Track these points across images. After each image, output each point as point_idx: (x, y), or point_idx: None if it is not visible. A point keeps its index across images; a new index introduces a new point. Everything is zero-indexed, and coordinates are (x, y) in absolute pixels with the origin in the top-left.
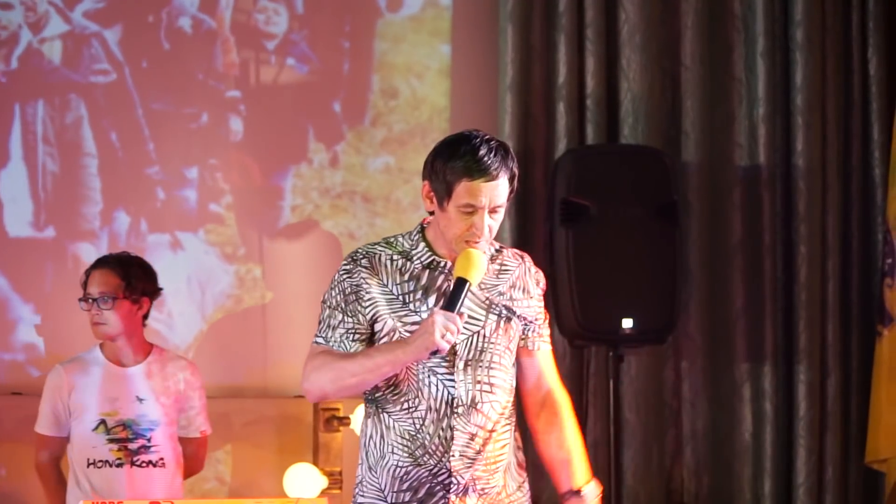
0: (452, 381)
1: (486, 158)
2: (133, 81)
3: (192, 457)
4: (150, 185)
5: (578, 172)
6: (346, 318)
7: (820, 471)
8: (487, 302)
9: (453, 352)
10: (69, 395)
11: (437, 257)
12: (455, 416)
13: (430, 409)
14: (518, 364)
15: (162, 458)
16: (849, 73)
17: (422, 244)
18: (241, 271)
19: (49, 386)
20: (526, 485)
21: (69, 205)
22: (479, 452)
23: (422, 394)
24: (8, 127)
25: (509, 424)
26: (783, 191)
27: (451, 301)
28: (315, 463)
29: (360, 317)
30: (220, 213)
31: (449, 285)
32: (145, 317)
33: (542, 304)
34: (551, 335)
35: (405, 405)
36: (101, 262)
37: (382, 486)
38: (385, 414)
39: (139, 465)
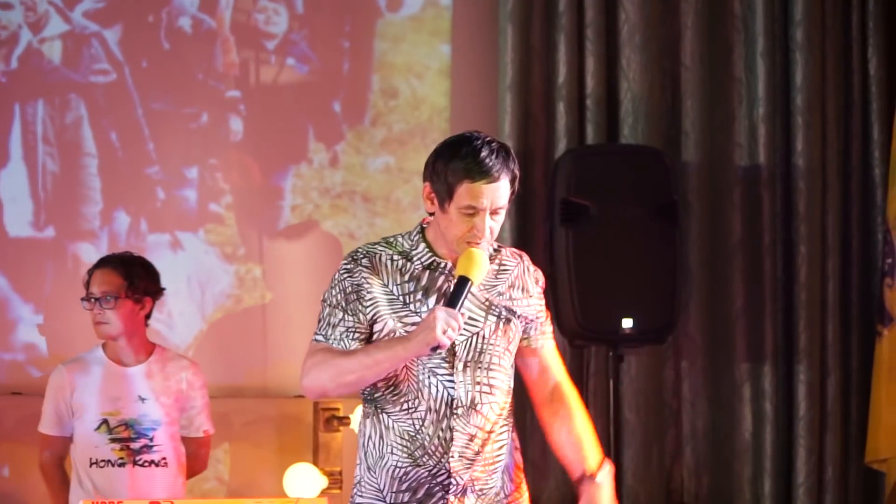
0: (452, 381)
1: (487, 160)
2: (133, 81)
3: (195, 456)
4: (150, 185)
5: (578, 172)
6: (346, 316)
7: (820, 471)
8: (487, 303)
9: (453, 353)
10: (71, 394)
11: (437, 258)
12: (455, 416)
13: (430, 409)
14: (524, 362)
15: (164, 458)
16: (849, 73)
17: (422, 244)
18: (241, 271)
19: (51, 386)
20: (524, 486)
21: (69, 205)
22: (478, 453)
23: (422, 394)
24: (8, 127)
25: (507, 425)
26: (783, 191)
27: (452, 299)
28: (315, 463)
29: (361, 316)
30: (220, 213)
31: (449, 286)
32: (148, 317)
33: (543, 301)
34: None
35: (405, 406)
36: (104, 262)
37: (381, 487)
38: (384, 414)
39: (141, 465)
